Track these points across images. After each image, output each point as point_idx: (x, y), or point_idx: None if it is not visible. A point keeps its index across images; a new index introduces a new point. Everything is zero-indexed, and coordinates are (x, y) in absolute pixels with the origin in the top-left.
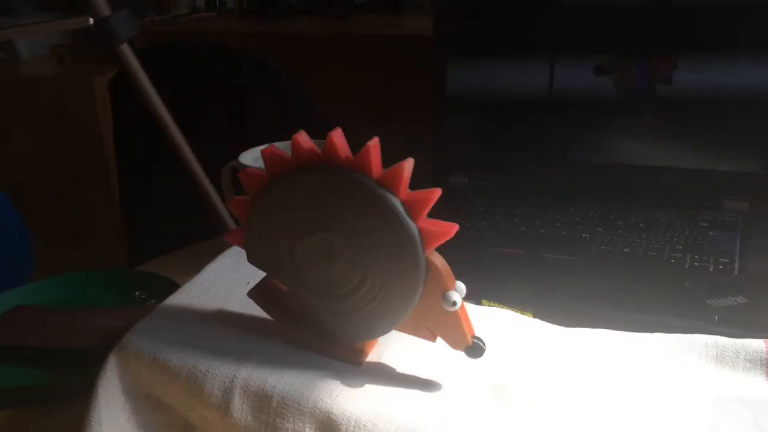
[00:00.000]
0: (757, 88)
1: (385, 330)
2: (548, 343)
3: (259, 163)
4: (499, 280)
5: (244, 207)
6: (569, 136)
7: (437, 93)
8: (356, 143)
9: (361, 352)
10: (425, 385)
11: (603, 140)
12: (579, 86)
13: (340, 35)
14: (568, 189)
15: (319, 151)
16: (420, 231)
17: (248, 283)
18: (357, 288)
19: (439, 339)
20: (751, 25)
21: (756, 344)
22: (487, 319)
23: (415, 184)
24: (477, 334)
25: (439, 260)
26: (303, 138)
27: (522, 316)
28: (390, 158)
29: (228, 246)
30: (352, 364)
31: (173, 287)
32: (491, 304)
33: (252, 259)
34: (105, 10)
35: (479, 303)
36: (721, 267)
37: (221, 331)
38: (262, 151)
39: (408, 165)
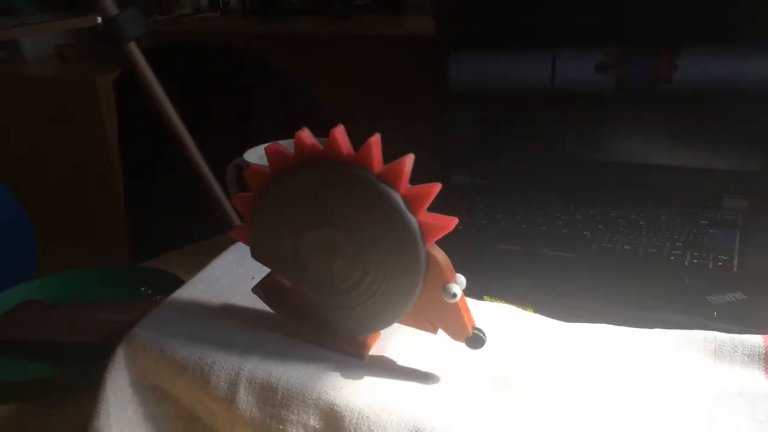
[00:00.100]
0: (757, 86)
1: (386, 323)
2: (549, 338)
3: (264, 161)
4: (501, 277)
5: (248, 204)
6: (570, 135)
7: (438, 91)
8: (359, 141)
9: (364, 346)
10: (427, 377)
11: (604, 138)
12: (580, 85)
13: (341, 35)
14: (569, 187)
15: (322, 148)
16: (420, 225)
17: (253, 278)
18: (358, 282)
19: (440, 331)
20: (753, 24)
21: (754, 339)
22: (488, 314)
23: (416, 181)
24: (477, 326)
25: (439, 253)
26: (306, 135)
27: (523, 311)
28: (392, 156)
29: (233, 242)
30: (355, 357)
31: (178, 283)
32: (492, 299)
33: (256, 255)
34: (113, 9)
35: (480, 299)
36: (720, 264)
37: (227, 324)
38: (266, 149)
39: (408, 160)
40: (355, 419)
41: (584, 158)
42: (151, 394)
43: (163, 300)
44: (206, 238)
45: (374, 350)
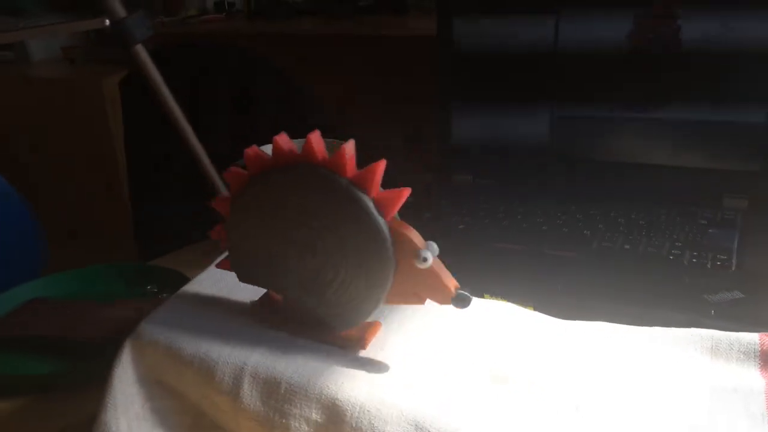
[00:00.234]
0: (757, 87)
1: (374, 306)
2: (548, 335)
3: None
4: (501, 275)
5: (226, 205)
6: (571, 135)
7: (441, 92)
8: (361, 141)
9: (362, 336)
10: (427, 373)
11: (605, 139)
12: (581, 85)
13: (345, 36)
14: (570, 187)
15: (327, 150)
16: (375, 201)
17: None
18: (334, 277)
19: (439, 328)
20: (752, 31)
21: (749, 337)
22: (489, 311)
23: (418, 180)
24: (478, 324)
25: (402, 226)
26: (283, 139)
27: (523, 308)
28: (394, 156)
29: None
30: (355, 349)
31: (183, 281)
32: (493, 297)
33: (233, 256)
34: (121, 11)
35: (481, 296)
36: (719, 263)
37: (231, 321)
38: (245, 152)
39: (380, 166)
40: (356, 413)
41: (586, 159)
42: (158, 389)
43: (168, 297)
44: (211, 238)
45: (374, 347)
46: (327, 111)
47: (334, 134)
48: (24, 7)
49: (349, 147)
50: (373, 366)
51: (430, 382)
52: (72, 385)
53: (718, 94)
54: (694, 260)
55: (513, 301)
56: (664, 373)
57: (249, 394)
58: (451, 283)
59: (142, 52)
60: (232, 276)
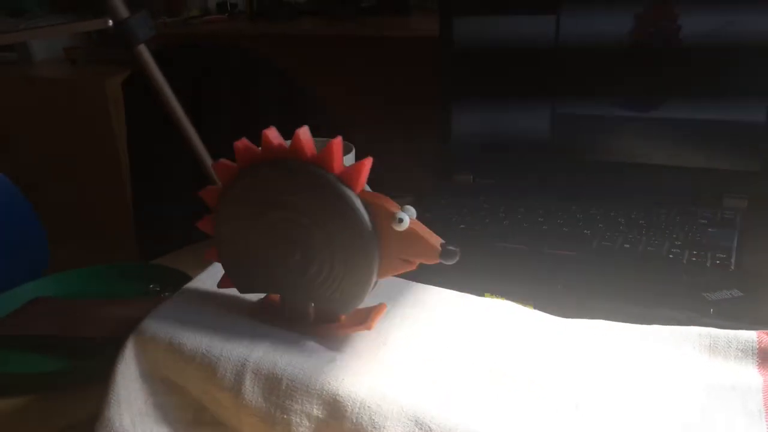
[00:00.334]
0: (757, 87)
1: (369, 280)
2: (548, 333)
3: None
4: (502, 274)
5: (215, 196)
6: (572, 135)
7: (443, 92)
8: (363, 141)
9: (368, 319)
10: (427, 370)
11: (605, 139)
12: (581, 87)
13: (347, 36)
14: (570, 186)
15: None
16: (339, 176)
17: None
18: (321, 266)
19: (439, 326)
20: (751, 26)
21: (747, 335)
22: (489, 309)
23: (420, 180)
24: (478, 322)
25: (374, 196)
26: (272, 133)
27: (523, 307)
28: (395, 156)
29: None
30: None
31: (186, 280)
32: (494, 296)
33: (222, 247)
34: (124, 11)
35: (482, 295)
36: (718, 262)
37: (233, 318)
38: (235, 144)
39: (367, 163)
40: (357, 409)
41: (586, 159)
42: (160, 385)
43: (171, 296)
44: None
45: (376, 343)
46: (329, 112)
47: (336, 135)
48: (27, 7)
49: (337, 143)
50: (374, 363)
51: (431, 379)
52: (74, 384)
53: (719, 89)
54: (694, 259)
55: (513, 300)
56: (663, 371)
57: (251, 390)
58: (435, 239)
59: (144, 52)
60: None
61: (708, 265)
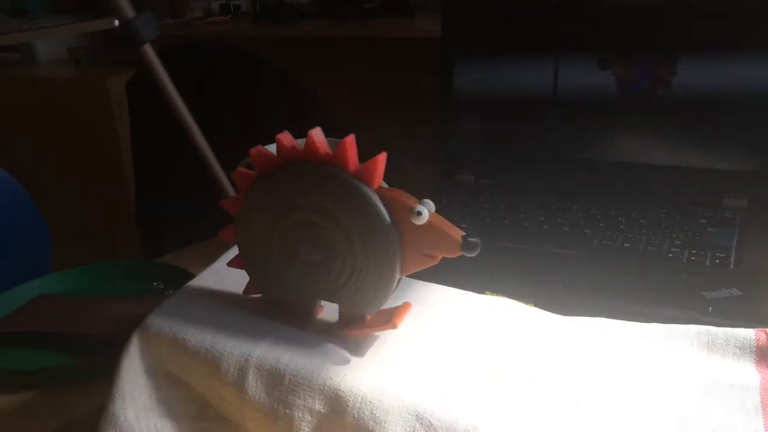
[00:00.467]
0: (756, 87)
1: (392, 277)
2: (548, 331)
3: None
4: (503, 273)
5: (237, 205)
6: (573, 135)
7: (444, 93)
8: (365, 142)
9: (392, 318)
10: (428, 367)
11: (605, 139)
12: (582, 86)
13: (349, 38)
14: (571, 186)
15: (331, 150)
16: (355, 174)
17: None
18: (342, 267)
19: (442, 325)
20: (751, 26)
21: (745, 333)
22: (490, 308)
23: (422, 180)
24: (479, 320)
25: (391, 191)
26: (286, 137)
27: (523, 305)
28: (397, 155)
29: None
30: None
31: (189, 278)
32: (494, 294)
33: (243, 255)
34: (129, 12)
35: (482, 294)
36: (717, 261)
37: (236, 314)
38: (250, 151)
39: (381, 158)
40: (358, 404)
41: (587, 158)
42: (164, 380)
43: (174, 293)
44: (216, 236)
45: (377, 341)
46: (331, 112)
47: (339, 135)
48: (31, 8)
49: (350, 141)
50: (376, 359)
51: (432, 375)
52: (78, 379)
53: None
54: (693, 258)
55: (514, 298)
56: (662, 369)
57: (254, 386)
58: (455, 232)
59: (150, 52)
60: (236, 272)
61: (707, 264)
